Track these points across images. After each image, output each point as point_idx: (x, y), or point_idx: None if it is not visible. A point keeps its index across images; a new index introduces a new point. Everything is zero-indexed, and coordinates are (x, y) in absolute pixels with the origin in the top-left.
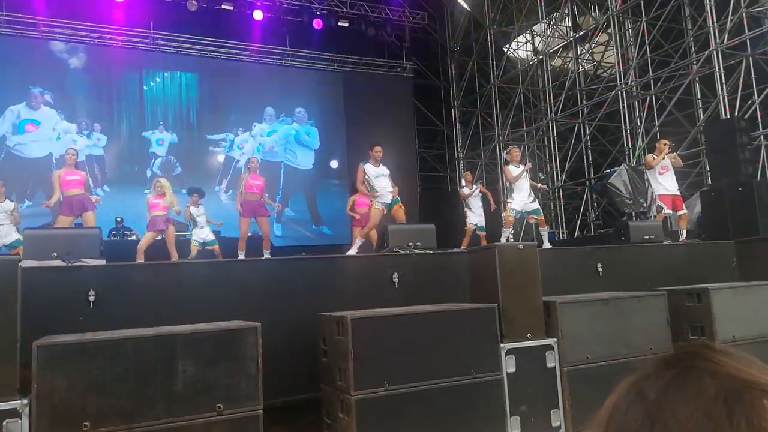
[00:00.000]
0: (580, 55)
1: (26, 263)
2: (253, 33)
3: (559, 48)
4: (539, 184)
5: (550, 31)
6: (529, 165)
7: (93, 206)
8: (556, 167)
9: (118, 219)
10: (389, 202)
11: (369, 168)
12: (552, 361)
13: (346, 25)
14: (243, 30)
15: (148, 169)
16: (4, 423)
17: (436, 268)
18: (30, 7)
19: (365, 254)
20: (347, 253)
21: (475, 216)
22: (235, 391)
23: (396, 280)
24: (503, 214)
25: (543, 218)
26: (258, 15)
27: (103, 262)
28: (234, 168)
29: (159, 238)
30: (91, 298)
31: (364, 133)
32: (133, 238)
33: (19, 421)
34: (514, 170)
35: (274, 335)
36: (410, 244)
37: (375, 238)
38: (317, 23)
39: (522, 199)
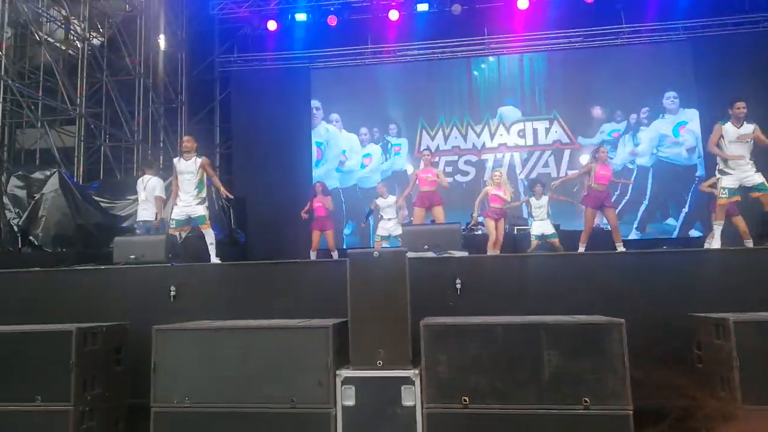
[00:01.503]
0: None
1: (409, 254)
2: (583, 18)
3: None
4: None
5: None
6: None
7: (441, 201)
8: None
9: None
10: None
11: (728, 128)
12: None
13: None
14: (571, 17)
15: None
16: (401, 388)
17: None
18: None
19: (736, 247)
20: (707, 245)
21: None
22: (602, 387)
23: None
24: None
25: None
26: (456, 10)
27: (466, 253)
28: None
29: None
30: (458, 286)
31: (722, 106)
32: (479, 232)
33: (413, 387)
34: None
35: (634, 333)
36: None
37: (742, 226)
38: None
39: None
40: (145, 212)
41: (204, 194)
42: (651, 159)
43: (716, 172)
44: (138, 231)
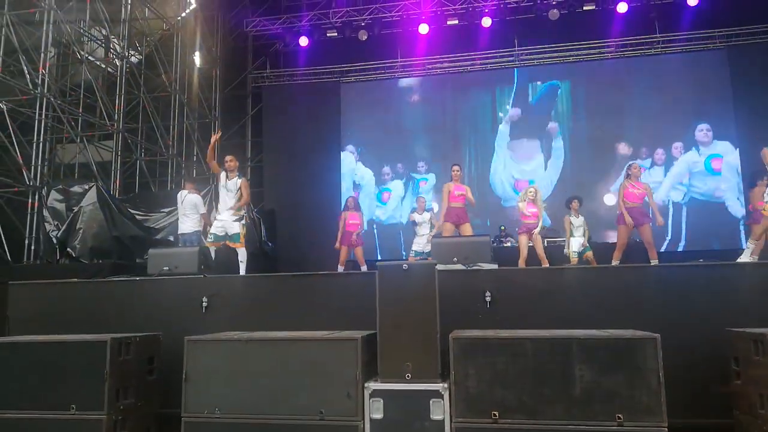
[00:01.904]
0: None
1: (438, 267)
2: (617, 28)
3: None
4: None
5: None
6: None
7: (468, 218)
8: None
9: (502, 228)
10: None
11: None
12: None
13: None
14: (605, 28)
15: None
16: (430, 401)
17: None
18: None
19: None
20: (739, 259)
21: None
22: (636, 403)
23: None
24: None
25: None
26: (622, 7)
27: (495, 266)
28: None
29: (530, 244)
30: (488, 299)
31: (760, 116)
32: (508, 245)
33: (441, 401)
34: None
35: (669, 348)
36: None
37: None
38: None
39: None
40: (182, 225)
41: (243, 211)
42: (684, 195)
43: None
44: (179, 243)
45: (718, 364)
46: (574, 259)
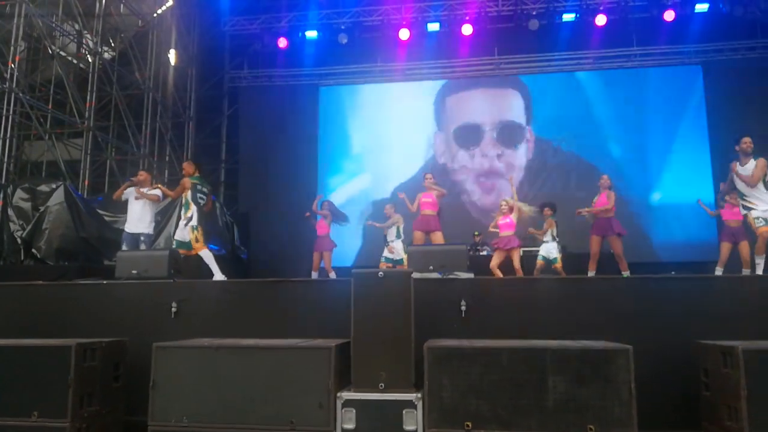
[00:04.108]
0: None
1: (414, 275)
2: (595, 39)
3: None
4: None
5: None
6: None
7: (439, 227)
8: None
9: (476, 234)
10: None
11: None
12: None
13: (705, 9)
14: (584, 39)
15: None
16: (403, 412)
17: None
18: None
19: (745, 275)
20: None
21: None
22: (608, 413)
23: None
24: None
25: None
26: (601, 20)
27: (471, 275)
28: None
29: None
30: (463, 308)
31: (733, 131)
32: (484, 253)
33: (414, 411)
34: None
35: (640, 359)
36: None
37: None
38: (669, 14)
39: None
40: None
41: (190, 213)
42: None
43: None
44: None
45: (688, 376)
46: (539, 261)
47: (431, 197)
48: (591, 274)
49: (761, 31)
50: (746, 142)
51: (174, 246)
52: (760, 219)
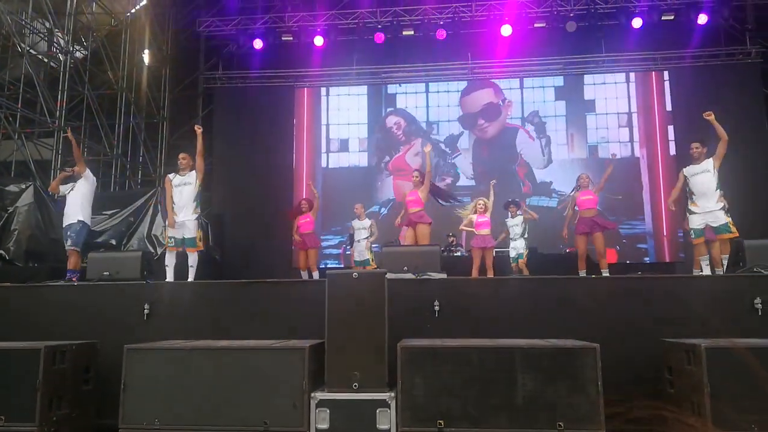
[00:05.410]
0: None
1: (388, 276)
2: (566, 44)
3: None
4: None
5: None
6: None
7: (423, 219)
8: None
9: (450, 235)
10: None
11: (688, 169)
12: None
13: (672, 17)
14: (553, 43)
15: None
16: (377, 411)
17: None
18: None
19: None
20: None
21: None
22: (576, 410)
23: (759, 306)
24: None
25: None
26: (571, 27)
27: (444, 275)
28: None
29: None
30: (436, 308)
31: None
32: (458, 254)
33: (388, 410)
34: None
35: (607, 357)
36: None
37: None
38: (637, 22)
39: None
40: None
41: (200, 209)
42: None
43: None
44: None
45: (653, 374)
46: (513, 264)
47: (415, 195)
48: (582, 273)
49: (725, 39)
50: (693, 147)
51: (172, 243)
52: (693, 231)
